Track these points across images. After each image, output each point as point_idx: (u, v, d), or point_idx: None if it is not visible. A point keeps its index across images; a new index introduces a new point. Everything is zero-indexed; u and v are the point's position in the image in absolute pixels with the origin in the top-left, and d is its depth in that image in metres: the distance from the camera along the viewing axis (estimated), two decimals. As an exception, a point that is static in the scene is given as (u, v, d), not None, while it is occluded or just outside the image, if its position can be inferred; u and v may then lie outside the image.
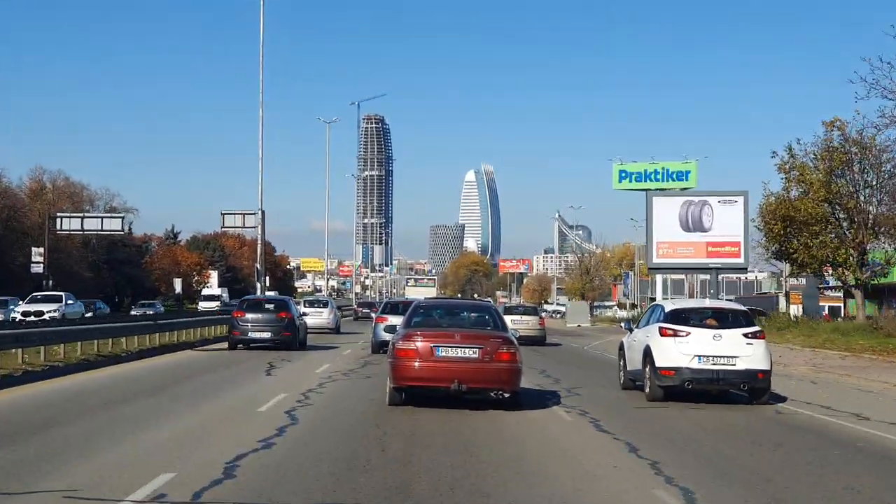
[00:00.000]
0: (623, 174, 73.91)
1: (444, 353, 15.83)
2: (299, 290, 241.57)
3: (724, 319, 18.54)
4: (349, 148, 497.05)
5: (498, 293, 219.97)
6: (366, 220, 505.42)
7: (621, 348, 21.59)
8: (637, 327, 21.06)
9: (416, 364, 15.79)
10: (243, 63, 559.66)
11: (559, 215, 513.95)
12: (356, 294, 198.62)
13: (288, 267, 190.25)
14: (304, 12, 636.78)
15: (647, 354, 18.62)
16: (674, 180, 71.72)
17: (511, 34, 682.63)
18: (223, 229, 73.68)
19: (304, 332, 35.54)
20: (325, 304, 51.67)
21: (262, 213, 55.60)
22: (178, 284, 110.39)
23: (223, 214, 56.13)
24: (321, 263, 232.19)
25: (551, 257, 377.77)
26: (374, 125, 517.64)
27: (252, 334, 32.97)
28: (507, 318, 26.63)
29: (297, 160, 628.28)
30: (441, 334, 16.21)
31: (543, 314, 55.77)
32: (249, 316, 33.44)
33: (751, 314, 19.48)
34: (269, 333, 32.92)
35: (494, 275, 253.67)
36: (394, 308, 32.60)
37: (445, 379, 15.69)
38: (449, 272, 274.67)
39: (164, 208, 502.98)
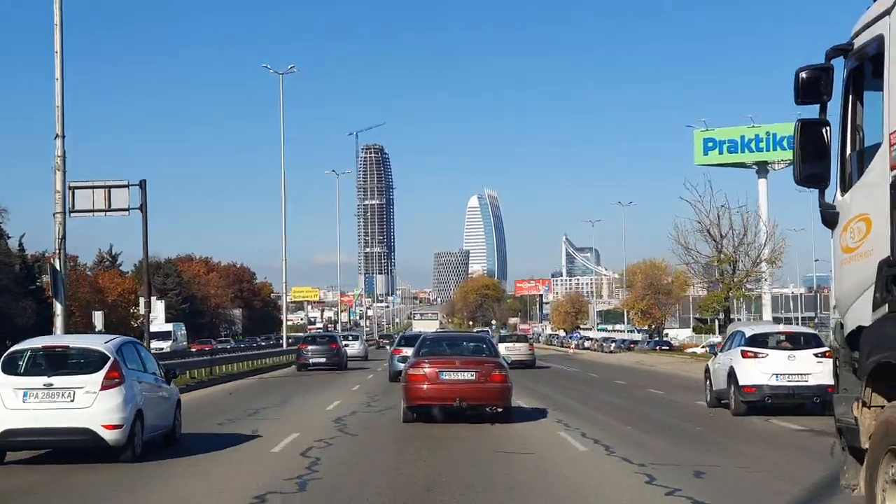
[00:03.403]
0: (710, 144, 54.41)
1: (447, 377, 18.74)
2: (289, 324, 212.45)
3: (797, 342, 21.54)
4: (348, 177, 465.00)
5: (512, 320, 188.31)
6: (368, 250, 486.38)
7: (707, 371, 24.01)
8: (721, 352, 23.40)
9: (425, 386, 18.70)
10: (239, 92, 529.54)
11: (566, 238, 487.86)
12: (355, 325, 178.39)
13: (271, 296, 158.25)
14: (302, 41, 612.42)
15: (731, 375, 21.21)
16: (784, 148, 52.56)
17: (511, 57, 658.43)
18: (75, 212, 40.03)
19: (345, 357, 47.96)
20: (356, 338, 65.23)
21: (144, 183, 33.42)
22: (98, 319, 72.81)
23: (72, 189, 29.89)
24: (315, 293, 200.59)
25: (559, 280, 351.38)
26: (373, 154, 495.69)
27: (312, 360, 45.22)
28: (501, 346, 38.20)
29: (297, 194, 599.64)
30: (445, 361, 19.25)
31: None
32: (311, 347, 46.54)
33: (820, 336, 22.49)
34: (325, 359, 45.25)
35: (505, 298, 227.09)
36: (409, 341, 35.06)
37: (449, 398, 18.53)
38: (457, 298, 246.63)
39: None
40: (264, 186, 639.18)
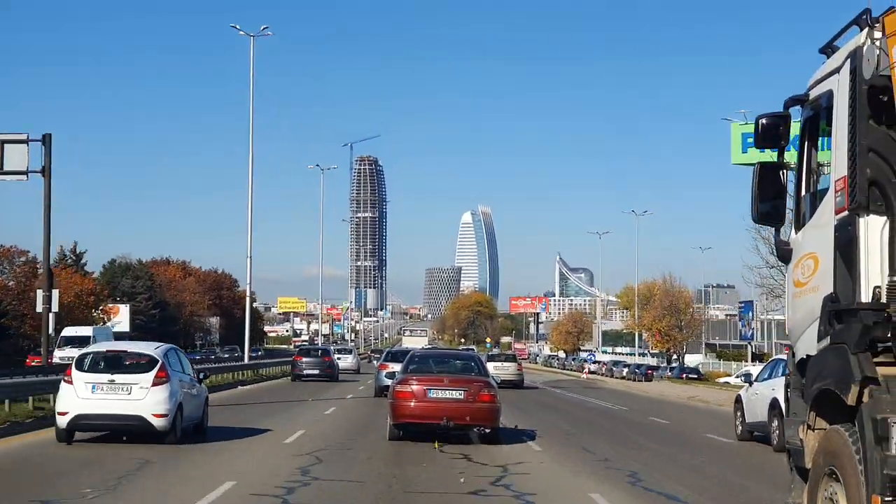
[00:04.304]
0: (750, 140, 44.12)
1: (435, 395, 18.20)
2: (272, 335, 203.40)
3: None
4: (342, 190, 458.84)
5: (505, 339, 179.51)
6: (359, 263, 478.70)
7: (738, 401, 22.82)
8: (756, 381, 22.16)
9: (412, 404, 18.16)
10: (231, 103, 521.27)
11: (560, 258, 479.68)
12: (341, 339, 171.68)
13: (254, 306, 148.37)
14: (295, 54, 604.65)
15: (774, 406, 19.44)
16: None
17: (505, 73, 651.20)
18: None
19: (338, 369, 50.04)
20: (350, 352, 69.04)
21: (48, 138, 28.62)
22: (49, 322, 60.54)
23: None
24: (302, 304, 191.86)
25: (552, 301, 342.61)
26: (367, 166, 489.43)
27: (307, 371, 47.11)
28: (490, 365, 34.14)
29: (288, 206, 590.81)
30: (433, 379, 18.61)
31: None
32: (305, 360, 48.66)
33: None
34: (318, 370, 47.11)
35: (497, 316, 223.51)
36: (394, 357, 35.63)
37: (436, 416, 17.98)
38: (448, 315, 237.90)
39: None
40: (256, 195, 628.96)
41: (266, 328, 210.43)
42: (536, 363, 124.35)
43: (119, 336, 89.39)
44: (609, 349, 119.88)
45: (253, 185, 47.18)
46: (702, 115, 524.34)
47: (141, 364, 17.43)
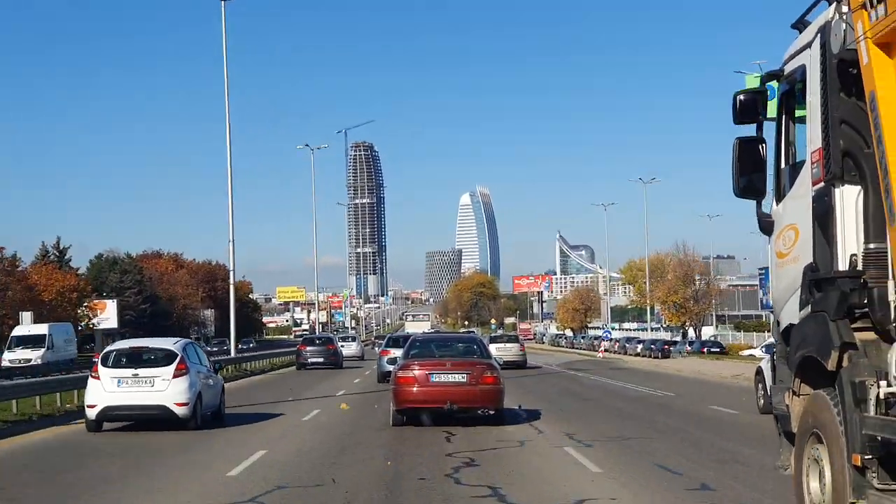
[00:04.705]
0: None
1: (437, 379, 18.08)
2: (271, 325, 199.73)
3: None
4: (339, 177, 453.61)
5: (509, 320, 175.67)
6: (359, 250, 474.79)
7: (759, 373, 22.05)
8: None
9: (415, 389, 18.06)
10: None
11: (560, 235, 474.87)
12: (342, 327, 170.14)
13: (251, 296, 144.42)
14: (290, 40, 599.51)
15: (759, 373, 20.98)
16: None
17: (502, 55, 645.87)
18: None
19: (342, 357, 50.62)
20: (354, 339, 69.85)
21: None
22: (27, 321, 61.02)
23: None
24: (301, 292, 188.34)
25: (554, 279, 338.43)
26: (363, 152, 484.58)
27: (311, 359, 47.75)
28: (492, 346, 37.09)
29: (288, 198, 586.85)
30: (435, 363, 18.57)
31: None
32: (309, 348, 49.33)
33: None
34: (322, 358, 47.85)
35: (499, 297, 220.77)
36: (395, 342, 35.89)
37: (439, 401, 17.90)
38: (451, 297, 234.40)
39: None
40: (254, 187, 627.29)
41: (266, 319, 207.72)
42: (543, 343, 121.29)
43: (108, 333, 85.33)
44: (616, 325, 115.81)
45: (231, 162, 43.32)
46: (709, 72, 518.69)
47: (161, 358, 18.80)
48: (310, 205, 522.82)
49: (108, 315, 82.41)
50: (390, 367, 25.04)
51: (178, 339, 21.27)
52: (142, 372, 18.32)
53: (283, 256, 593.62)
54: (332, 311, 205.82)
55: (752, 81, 47.82)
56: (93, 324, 77.86)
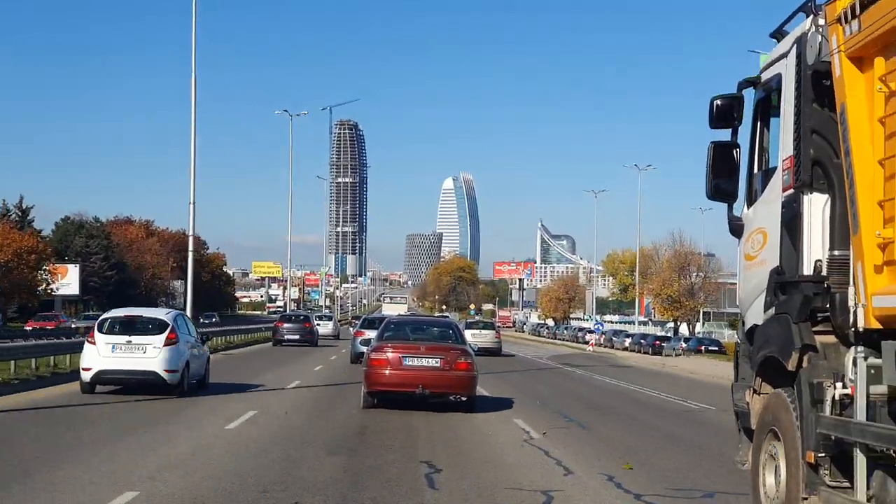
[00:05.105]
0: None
1: (410, 363, 17.84)
2: (244, 300, 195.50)
3: None
4: (322, 156, 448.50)
5: (487, 306, 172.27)
6: (339, 229, 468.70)
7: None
8: None
9: (387, 372, 17.80)
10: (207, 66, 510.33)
11: (542, 224, 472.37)
12: (316, 307, 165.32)
13: (225, 270, 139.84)
14: (276, 21, 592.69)
15: None
16: None
17: (488, 41, 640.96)
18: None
19: (317, 335, 52.27)
20: (329, 318, 69.99)
21: None
22: None
23: None
24: (277, 268, 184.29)
25: (535, 268, 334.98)
26: (347, 131, 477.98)
27: (287, 336, 48.91)
28: (468, 332, 36.12)
29: (273, 173, 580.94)
30: (408, 346, 18.29)
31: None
32: (286, 325, 50.47)
33: None
34: (299, 336, 49.11)
35: (478, 283, 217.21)
36: (370, 323, 35.01)
37: (412, 385, 17.66)
38: (430, 280, 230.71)
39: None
40: (238, 164, 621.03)
41: (241, 294, 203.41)
42: (524, 332, 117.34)
43: (69, 300, 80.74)
44: (597, 317, 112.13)
45: (196, 119, 38.76)
46: (716, 55, 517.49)
47: (154, 327, 19.84)
48: (297, 184, 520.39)
49: (69, 280, 77.94)
50: (364, 349, 24.82)
51: (170, 309, 23.00)
52: (135, 339, 19.37)
53: (263, 232, 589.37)
54: (308, 289, 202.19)
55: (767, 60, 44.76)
56: (51, 289, 73.32)
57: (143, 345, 19.17)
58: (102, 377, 19.28)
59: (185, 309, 41.70)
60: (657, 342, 62.25)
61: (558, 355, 53.94)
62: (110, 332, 19.58)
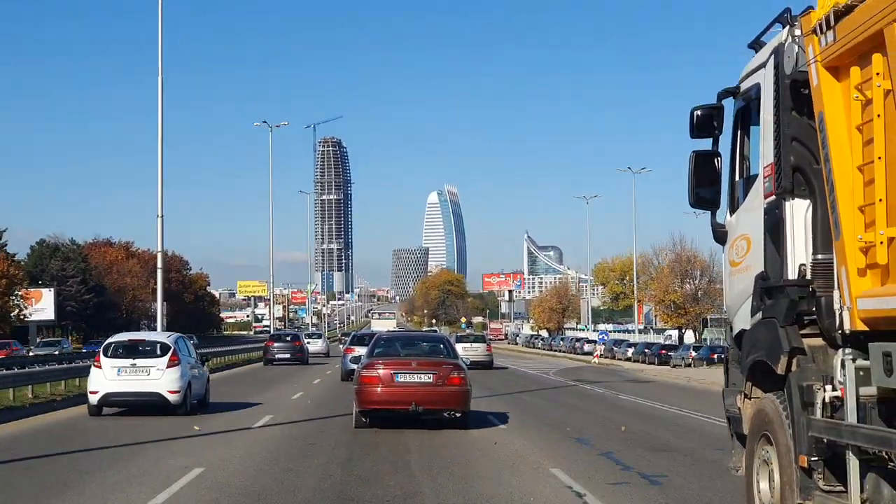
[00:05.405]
0: None
1: (402, 379, 17.32)
2: (230, 321, 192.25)
3: None
4: (307, 173, 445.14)
5: (477, 319, 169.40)
6: (325, 246, 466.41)
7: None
8: None
9: (379, 389, 17.29)
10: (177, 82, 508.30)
11: (528, 236, 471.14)
12: (303, 325, 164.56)
13: (210, 290, 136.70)
14: (254, 35, 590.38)
15: None
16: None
17: (473, 52, 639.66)
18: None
19: (308, 353, 52.53)
20: (319, 336, 71.59)
21: None
22: None
23: None
24: (262, 287, 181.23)
25: (523, 279, 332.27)
26: (331, 148, 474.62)
27: (278, 355, 49.64)
28: (459, 346, 36.02)
29: (259, 193, 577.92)
30: (400, 362, 17.80)
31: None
32: (276, 345, 50.66)
33: None
34: (289, 354, 49.89)
35: (466, 296, 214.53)
36: (360, 340, 35.33)
37: (404, 402, 17.18)
38: (418, 294, 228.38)
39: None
40: (224, 185, 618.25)
41: (227, 315, 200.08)
42: (517, 344, 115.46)
43: (44, 325, 77.08)
44: (588, 326, 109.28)
45: (163, 130, 37.40)
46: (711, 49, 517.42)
47: (156, 350, 20.78)
48: (283, 203, 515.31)
49: (43, 305, 74.76)
50: (354, 366, 24.63)
51: (171, 332, 23.70)
52: (139, 362, 20.24)
53: (250, 251, 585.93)
54: (295, 306, 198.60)
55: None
56: (24, 315, 69.67)
57: (147, 367, 20.07)
58: (109, 399, 20.19)
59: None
60: (663, 351, 59.28)
61: (564, 369, 51.16)
62: (115, 355, 20.42)
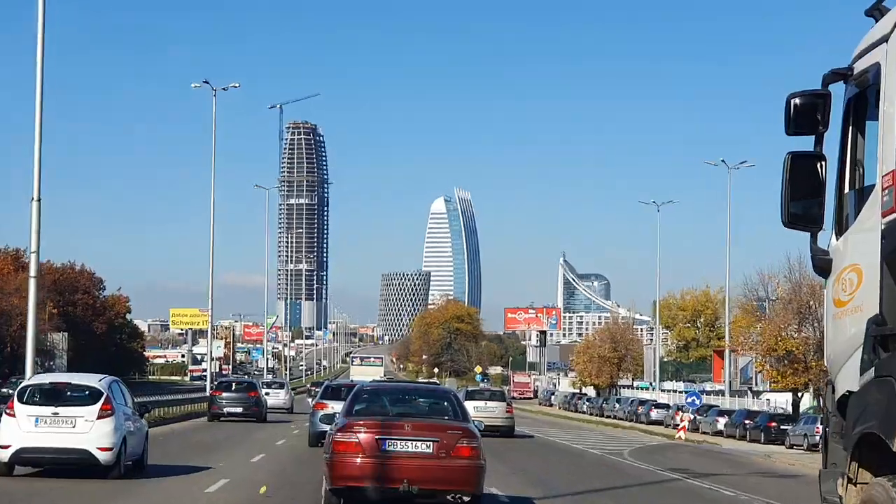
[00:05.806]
0: None
1: (391, 448, 17.26)
2: (157, 360, 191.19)
3: None
4: (271, 168, 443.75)
5: (495, 370, 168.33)
6: (291, 266, 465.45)
7: None
8: None
9: (358, 460, 17.22)
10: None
11: (564, 260, 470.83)
12: (256, 371, 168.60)
13: (131, 318, 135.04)
14: (248, 23, 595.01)
15: None
16: None
17: (473, 38, 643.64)
18: None
19: (265, 407, 54.98)
20: (282, 386, 74.03)
21: None
22: None
23: None
24: (204, 317, 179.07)
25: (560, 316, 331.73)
26: (302, 135, 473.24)
27: (227, 409, 51.50)
28: (470, 405, 35.18)
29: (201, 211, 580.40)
30: (388, 424, 17.70)
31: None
32: (226, 395, 52.77)
33: None
34: (241, 408, 51.47)
35: (484, 336, 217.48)
36: (335, 393, 36.50)
37: (393, 479, 17.09)
38: (415, 334, 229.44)
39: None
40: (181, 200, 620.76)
41: (155, 353, 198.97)
42: (551, 405, 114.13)
43: None
44: (652, 384, 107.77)
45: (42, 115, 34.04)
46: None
47: (85, 396, 21.93)
48: (242, 218, 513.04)
49: None
50: (326, 427, 25.21)
51: (104, 375, 24.14)
52: (62, 411, 21.29)
53: (194, 272, 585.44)
54: (247, 346, 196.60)
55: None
56: None
57: (72, 417, 21.10)
58: (23, 456, 21.28)
59: (24, 369, 36.65)
60: (773, 423, 56.15)
61: (640, 449, 47.00)
62: (32, 402, 21.48)
